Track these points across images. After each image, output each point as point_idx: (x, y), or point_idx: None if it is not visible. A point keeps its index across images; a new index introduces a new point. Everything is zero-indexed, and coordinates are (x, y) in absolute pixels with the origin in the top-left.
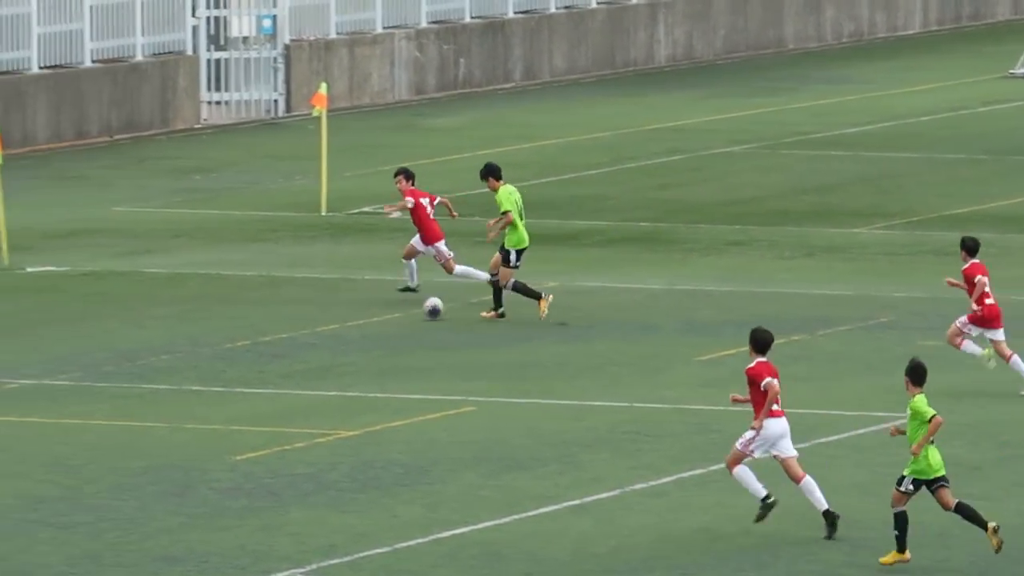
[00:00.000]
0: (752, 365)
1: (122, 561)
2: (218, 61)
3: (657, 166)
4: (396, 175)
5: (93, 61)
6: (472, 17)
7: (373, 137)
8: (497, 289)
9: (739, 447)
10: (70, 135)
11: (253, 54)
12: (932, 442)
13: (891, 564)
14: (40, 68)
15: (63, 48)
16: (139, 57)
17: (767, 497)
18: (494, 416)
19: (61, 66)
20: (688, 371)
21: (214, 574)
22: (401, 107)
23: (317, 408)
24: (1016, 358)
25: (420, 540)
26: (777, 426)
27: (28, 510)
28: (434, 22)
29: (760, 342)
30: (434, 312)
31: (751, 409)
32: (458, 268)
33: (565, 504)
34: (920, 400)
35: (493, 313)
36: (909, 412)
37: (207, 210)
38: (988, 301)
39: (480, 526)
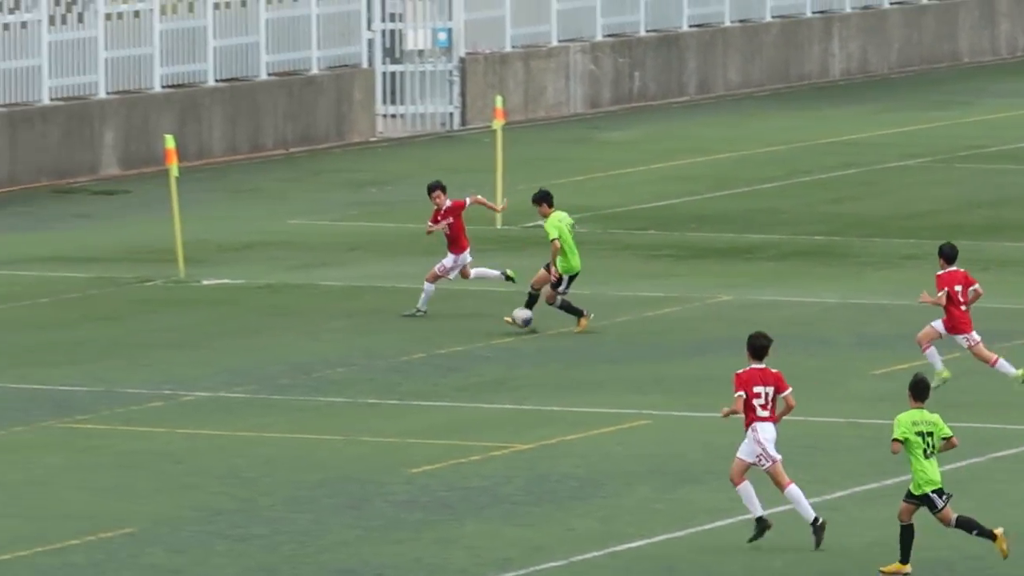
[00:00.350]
0: (740, 371)
1: (298, 574)
2: (393, 74)
3: (831, 180)
4: (433, 191)
5: (269, 74)
6: (647, 31)
7: (547, 150)
8: (532, 297)
9: (764, 467)
10: (245, 148)
11: (428, 67)
12: (933, 455)
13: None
14: (216, 81)
15: (239, 61)
16: (315, 70)
17: (762, 519)
18: (669, 429)
19: (237, 79)
20: (863, 385)
21: None
22: (576, 120)
23: (492, 421)
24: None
25: (595, 553)
26: (772, 430)
27: (204, 522)
28: (609, 35)
29: (754, 348)
30: (527, 322)
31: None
32: (474, 271)
33: (739, 518)
34: (904, 416)
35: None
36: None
37: (382, 223)
38: (962, 308)
39: (655, 539)
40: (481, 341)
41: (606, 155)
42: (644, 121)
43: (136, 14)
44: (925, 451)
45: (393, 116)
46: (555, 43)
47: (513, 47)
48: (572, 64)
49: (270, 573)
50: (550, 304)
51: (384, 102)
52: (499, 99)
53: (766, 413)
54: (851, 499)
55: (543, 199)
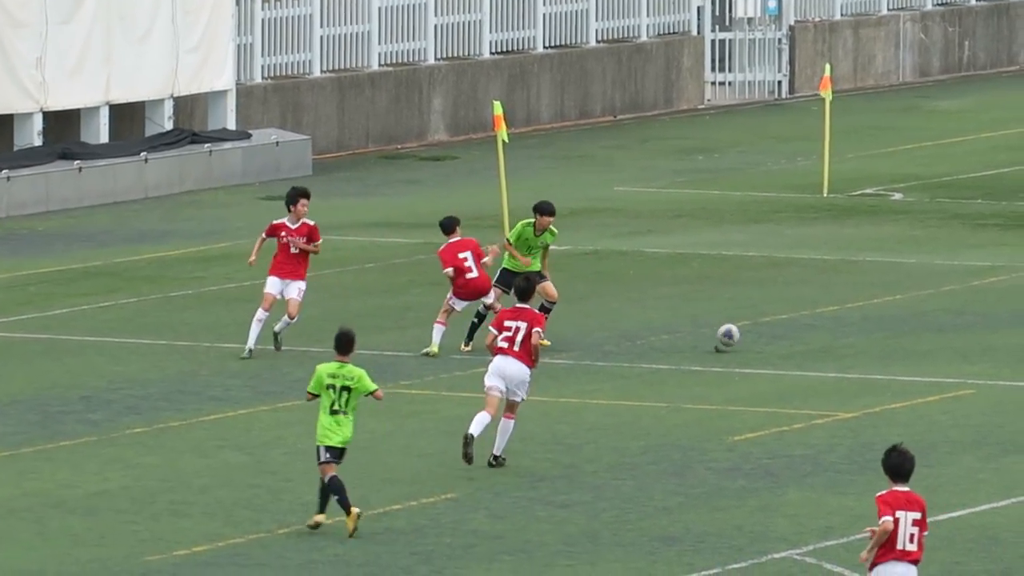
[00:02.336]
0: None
1: (619, 540)
2: (722, 42)
3: None
4: (302, 197)
5: (598, 41)
6: (978, 0)
7: (876, 119)
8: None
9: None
10: (573, 115)
11: (758, 35)
12: (336, 412)
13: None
14: (545, 48)
15: (568, 28)
16: (644, 37)
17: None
18: (994, 399)
19: (566, 46)
20: None
21: (710, 554)
22: (905, 89)
23: (816, 389)
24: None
25: None
26: (503, 363)
27: (527, 488)
28: (939, 4)
29: (516, 289)
30: (729, 336)
31: None
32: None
33: None
34: (322, 368)
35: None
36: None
37: (709, 190)
38: (470, 276)
39: (978, 509)
40: (806, 309)
41: (935, 124)
42: (973, 90)
43: None
44: (332, 405)
45: (721, 84)
46: (885, 12)
47: (843, 15)
48: (902, 33)
49: (591, 539)
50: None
51: (713, 69)
52: (828, 67)
53: (505, 345)
54: None
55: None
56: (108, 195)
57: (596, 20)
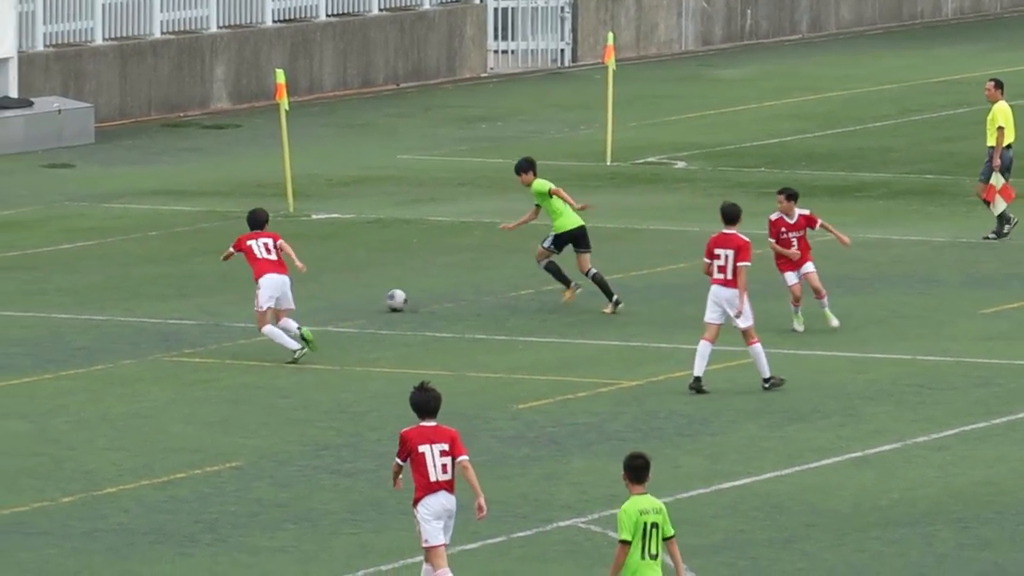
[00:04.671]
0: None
1: (404, 509)
2: (505, 10)
3: (943, 119)
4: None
5: (380, 9)
6: None
7: (659, 87)
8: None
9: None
10: (356, 83)
11: (540, 3)
12: None
13: None
14: (328, 16)
15: None
16: (427, 6)
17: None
18: (777, 368)
19: (348, 14)
20: (971, 324)
21: (495, 522)
22: (687, 57)
23: (600, 357)
24: None
25: (701, 491)
26: (722, 291)
27: (311, 457)
28: None
29: (725, 214)
30: (392, 298)
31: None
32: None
33: (846, 456)
34: None
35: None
36: None
37: (492, 159)
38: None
39: (761, 477)
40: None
41: (717, 93)
42: (756, 59)
43: None
44: None
45: (504, 52)
46: None
47: None
48: (684, 1)
49: (376, 508)
50: (539, 262)
51: (495, 38)
52: (611, 35)
53: (721, 276)
54: (958, 438)
55: (530, 168)
56: None
57: None
